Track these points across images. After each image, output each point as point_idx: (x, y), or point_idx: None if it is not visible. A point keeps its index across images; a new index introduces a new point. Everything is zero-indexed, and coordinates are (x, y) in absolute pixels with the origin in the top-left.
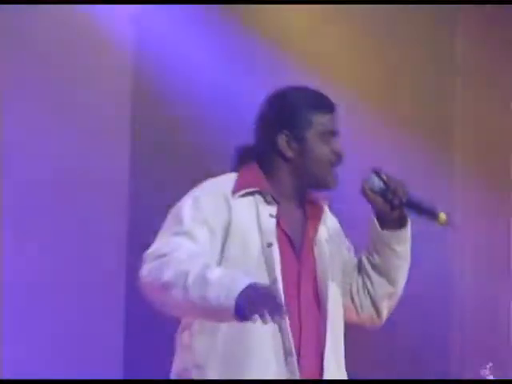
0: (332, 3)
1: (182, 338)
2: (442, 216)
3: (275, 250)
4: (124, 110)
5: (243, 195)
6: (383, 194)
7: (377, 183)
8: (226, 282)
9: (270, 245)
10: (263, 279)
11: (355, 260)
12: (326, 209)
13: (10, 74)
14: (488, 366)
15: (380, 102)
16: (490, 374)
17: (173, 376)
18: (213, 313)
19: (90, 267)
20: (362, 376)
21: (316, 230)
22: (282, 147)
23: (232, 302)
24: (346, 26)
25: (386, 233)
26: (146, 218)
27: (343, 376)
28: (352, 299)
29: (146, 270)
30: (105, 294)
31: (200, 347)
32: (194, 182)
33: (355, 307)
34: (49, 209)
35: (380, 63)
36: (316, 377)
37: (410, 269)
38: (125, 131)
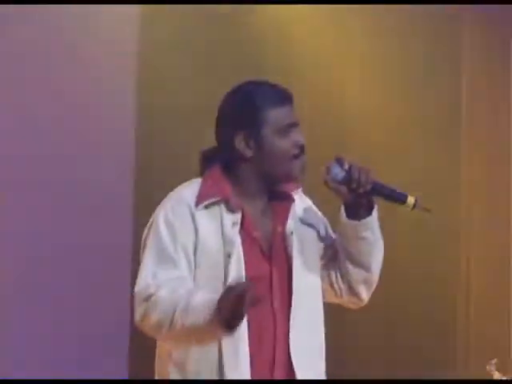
0: (333, 3)
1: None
2: (411, 200)
3: (236, 260)
4: (128, 111)
5: (206, 206)
6: (347, 183)
7: (339, 173)
8: (206, 301)
9: (229, 255)
10: None
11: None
12: (296, 197)
13: (10, 73)
14: (493, 362)
15: (381, 102)
16: (495, 370)
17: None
18: (203, 333)
19: (93, 267)
20: (362, 372)
21: (283, 225)
22: (240, 148)
23: (215, 312)
24: (347, 25)
25: (353, 222)
26: (150, 213)
27: (317, 367)
28: (331, 285)
29: (138, 315)
30: (109, 294)
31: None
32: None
33: (335, 292)
34: (51, 209)
35: (382, 63)
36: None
37: (414, 259)
38: (129, 132)
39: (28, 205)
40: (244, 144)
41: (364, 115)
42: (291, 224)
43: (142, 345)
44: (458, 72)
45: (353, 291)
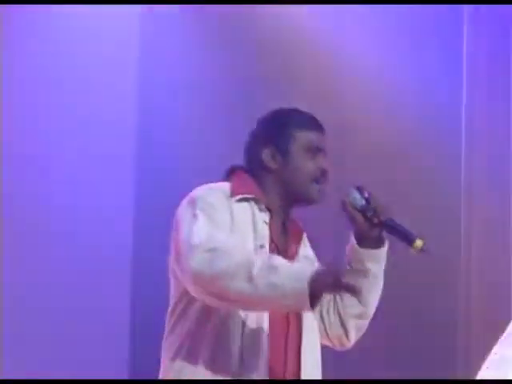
0: (332, 3)
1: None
2: (419, 243)
3: (266, 252)
4: (129, 112)
5: (239, 200)
6: (364, 211)
7: (358, 199)
8: (295, 267)
9: (262, 246)
10: None
11: None
12: (304, 232)
13: (11, 74)
14: None
15: (382, 104)
16: None
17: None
18: (282, 299)
19: (93, 267)
20: (362, 372)
21: (296, 248)
22: (266, 160)
23: (305, 285)
24: (348, 26)
25: (362, 250)
26: (150, 214)
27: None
28: (322, 319)
29: (198, 262)
30: (109, 294)
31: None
32: None
33: (324, 327)
34: (53, 209)
35: (382, 65)
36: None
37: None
38: (130, 131)
39: (29, 207)
40: (270, 157)
41: (364, 115)
42: (303, 249)
43: (142, 345)
44: (459, 72)
45: (343, 324)
